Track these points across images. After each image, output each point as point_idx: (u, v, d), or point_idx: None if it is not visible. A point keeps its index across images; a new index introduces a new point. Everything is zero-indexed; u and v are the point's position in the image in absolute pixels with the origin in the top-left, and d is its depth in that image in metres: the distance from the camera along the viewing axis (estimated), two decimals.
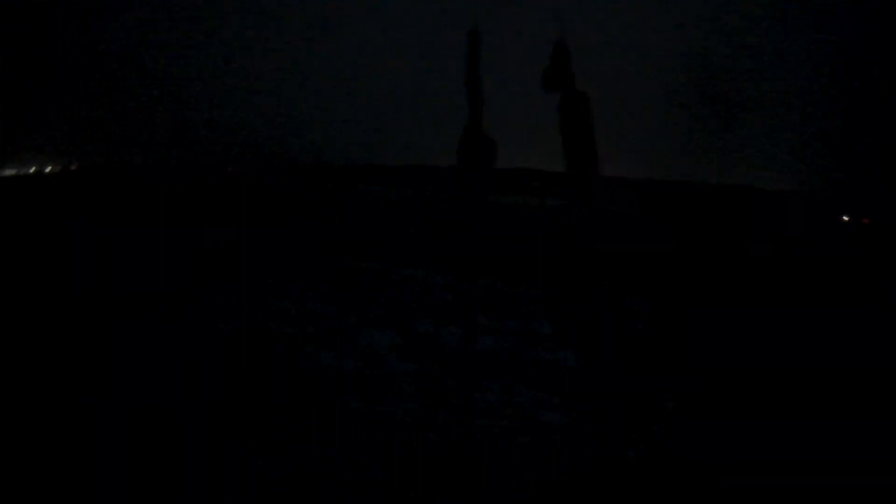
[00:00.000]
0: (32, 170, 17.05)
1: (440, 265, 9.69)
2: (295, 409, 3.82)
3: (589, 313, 6.73)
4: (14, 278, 6.85)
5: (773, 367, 5.05)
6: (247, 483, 2.97)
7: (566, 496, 3.00)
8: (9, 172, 16.66)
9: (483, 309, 6.73)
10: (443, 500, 2.90)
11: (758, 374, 4.83)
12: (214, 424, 3.49)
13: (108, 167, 18.54)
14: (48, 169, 17.22)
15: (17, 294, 6.18)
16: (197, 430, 3.42)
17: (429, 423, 3.70)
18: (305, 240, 11.93)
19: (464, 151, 7.26)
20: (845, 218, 23.67)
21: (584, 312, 6.77)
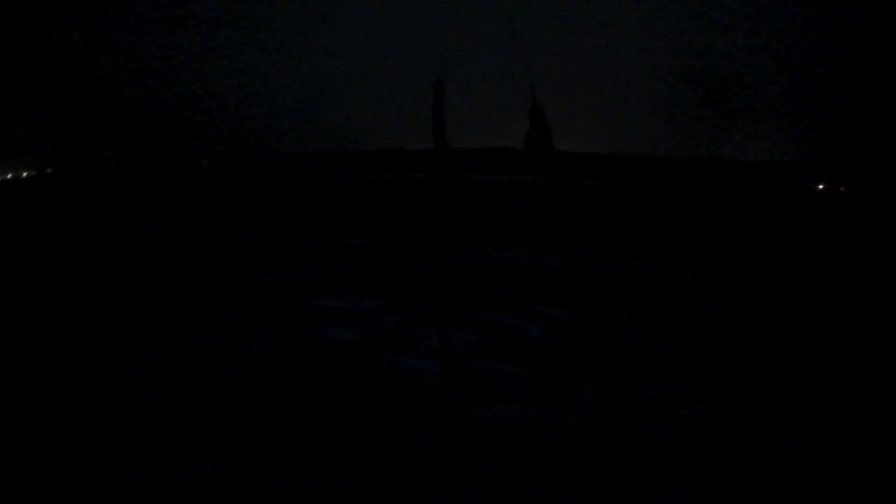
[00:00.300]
0: (9, 176, 16.64)
1: (461, 246, 9.62)
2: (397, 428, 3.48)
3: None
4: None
5: None
6: None
7: None
8: None
9: (541, 295, 6.57)
10: None
11: None
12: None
13: (84, 168, 18.13)
14: (24, 174, 16.82)
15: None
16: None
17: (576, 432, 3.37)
18: (318, 229, 11.59)
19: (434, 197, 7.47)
20: (820, 186, 24.18)
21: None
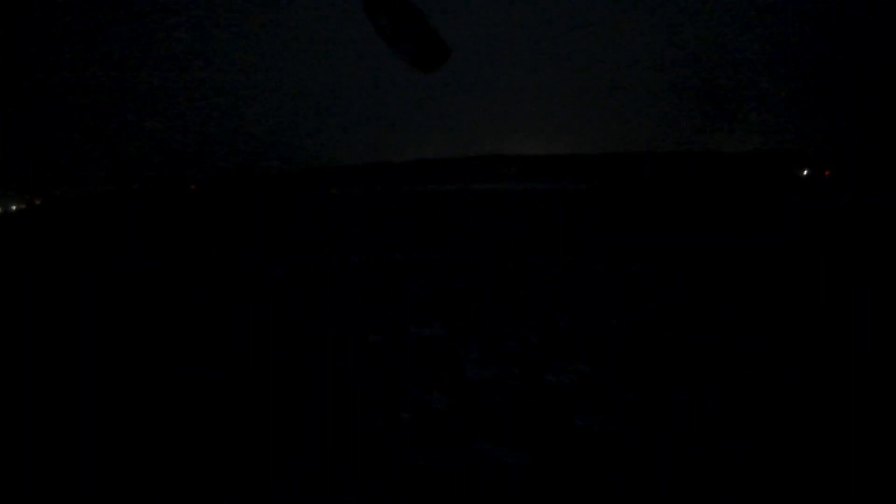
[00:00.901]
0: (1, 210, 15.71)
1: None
2: None
3: None
4: None
5: None
6: None
7: None
8: None
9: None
10: None
11: None
12: None
13: (72, 199, 17.32)
14: (14, 207, 15.94)
15: None
16: None
17: None
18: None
19: None
20: (805, 172, 24.73)
21: None
